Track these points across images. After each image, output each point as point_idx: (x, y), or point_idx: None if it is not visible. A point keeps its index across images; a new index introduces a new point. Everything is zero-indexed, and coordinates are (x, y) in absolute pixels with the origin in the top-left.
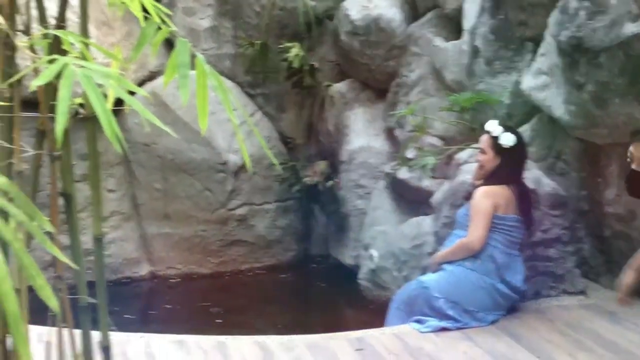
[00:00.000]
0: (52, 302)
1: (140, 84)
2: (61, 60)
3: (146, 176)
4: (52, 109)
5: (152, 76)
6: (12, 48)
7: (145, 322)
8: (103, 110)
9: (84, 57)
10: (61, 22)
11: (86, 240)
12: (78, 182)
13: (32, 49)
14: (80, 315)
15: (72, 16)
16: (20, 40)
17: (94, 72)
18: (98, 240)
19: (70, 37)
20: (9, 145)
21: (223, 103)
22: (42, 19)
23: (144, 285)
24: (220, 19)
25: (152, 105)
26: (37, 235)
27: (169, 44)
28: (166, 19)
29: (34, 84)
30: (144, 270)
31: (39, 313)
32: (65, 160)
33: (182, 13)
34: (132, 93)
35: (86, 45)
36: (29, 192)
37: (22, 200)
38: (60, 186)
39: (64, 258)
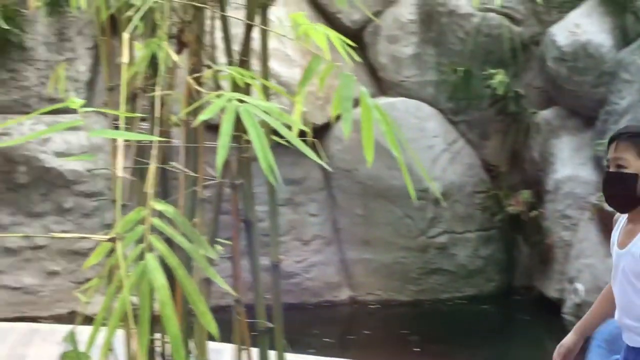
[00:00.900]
0: (212, 328)
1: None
2: (226, 96)
3: (347, 202)
4: (235, 139)
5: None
6: (199, 82)
7: (344, 347)
8: (260, 144)
9: (265, 90)
10: (244, 57)
11: (288, 264)
12: (281, 206)
13: (217, 83)
14: (259, 338)
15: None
16: (192, 76)
17: (255, 107)
18: (275, 266)
19: (238, 73)
20: (193, 174)
21: (386, 136)
22: (229, 53)
23: (343, 310)
24: (423, 46)
25: (353, 132)
26: (199, 261)
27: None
28: (352, 52)
29: (199, 118)
30: (344, 294)
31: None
32: (246, 188)
33: (385, 41)
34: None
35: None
36: (212, 218)
37: (187, 228)
38: (242, 213)
39: (224, 285)
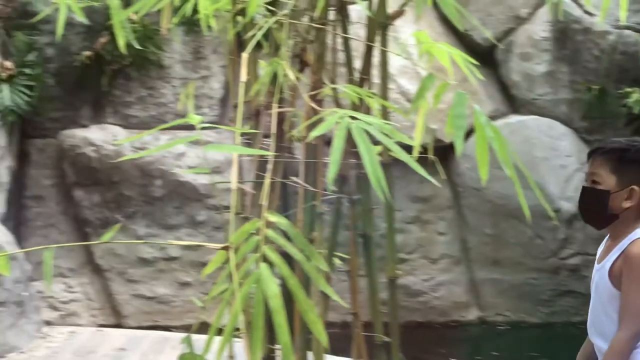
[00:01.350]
0: (322, 337)
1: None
2: (339, 113)
3: (476, 220)
4: (354, 155)
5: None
6: (319, 100)
7: None
8: (369, 158)
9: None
10: (365, 75)
11: (415, 281)
12: (409, 224)
13: (337, 101)
14: (376, 352)
15: (410, 62)
16: (311, 94)
17: (367, 124)
18: (392, 281)
19: (354, 91)
20: (312, 189)
21: (499, 154)
22: (349, 72)
23: (471, 330)
24: (557, 64)
25: None
26: (310, 272)
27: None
28: (475, 70)
29: (312, 134)
30: (472, 314)
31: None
32: (365, 203)
33: (518, 58)
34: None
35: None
36: (330, 232)
37: (301, 240)
38: (360, 228)
39: (336, 296)
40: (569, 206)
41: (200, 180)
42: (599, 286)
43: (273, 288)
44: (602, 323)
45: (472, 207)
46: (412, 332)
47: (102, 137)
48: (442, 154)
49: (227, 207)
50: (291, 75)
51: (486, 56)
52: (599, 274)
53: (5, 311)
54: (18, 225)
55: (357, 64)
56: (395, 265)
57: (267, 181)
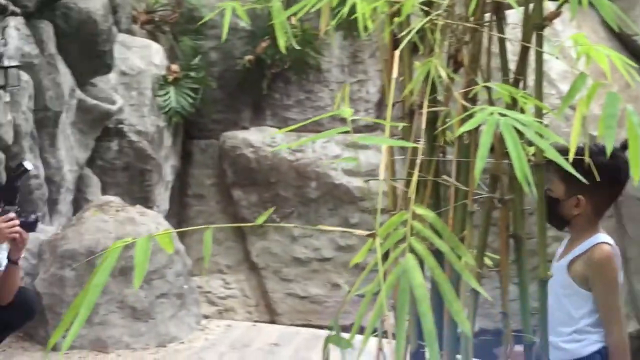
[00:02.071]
0: (466, 326)
1: None
2: (488, 109)
3: (637, 231)
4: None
5: None
6: (472, 100)
7: None
8: (517, 154)
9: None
10: (519, 76)
11: None
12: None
13: (491, 101)
14: (525, 354)
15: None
16: (463, 93)
17: (515, 121)
18: (542, 282)
19: (508, 91)
20: (463, 187)
21: None
22: (504, 72)
23: (630, 343)
24: None
25: None
26: (455, 265)
27: None
28: (634, 74)
29: (459, 131)
30: (631, 327)
31: None
32: (517, 204)
33: None
34: None
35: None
36: (480, 232)
37: (447, 233)
38: (511, 229)
39: (483, 292)
40: None
41: (355, 183)
42: (555, 282)
43: (418, 278)
44: (555, 320)
45: (632, 217)
46: None
47: (260, 139)
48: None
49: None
50: (443, 74)
51: None
52: (557, 271)
53: (166, 302)
54: (180, 222)
55: (512, 67)
56: (547, 266)
57: (415, 177)
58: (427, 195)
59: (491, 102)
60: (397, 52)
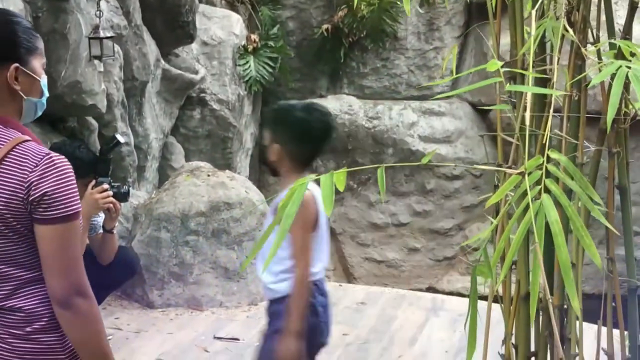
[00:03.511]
0: (597, 259)
1: None
2: (616, 63)
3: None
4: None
5: None
6: (582, 58)
7: None
8: None
9: None
10: (627, 35)
11: None
12: None
13: (599, 57)
14: (629, 297)
15: None
16: (587, 50)
17: None
18: None
19: (627, 45)
20: (574, 141)
21: None
22: (611, 32)
23: None
24: None
25: None
26: (585, 202)
27: None
28: None
29: (593, 82)
30: None
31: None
32: (622, 156)
33: None
34: None
35: None
36: (588, 182)
37: (578, 175)
38: (617, 180)
39: (610, 226)
40: None
41: (431, 149)
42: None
43: (554, 214)
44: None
45: None
46: None
47: (338, 106)
48: None
49: (457, 177)
50: (568, 32)
51: None
52: (269, 214)
53: (257, 263)
54: (259, 188)
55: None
56: None
57: (549, 118)
58: (537, 149)
59: (600, 57)
60: (533, 11)
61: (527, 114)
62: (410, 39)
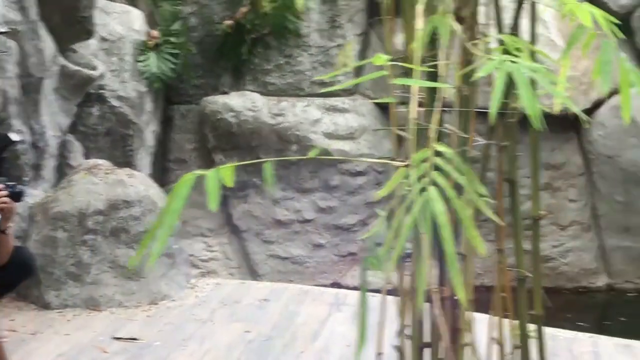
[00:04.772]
0: (482, 249)
1: (611, 94)
2: (500, 58)
3: (608, 188)
4: (503, 105)
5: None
6: (470, 54)
7: (598, 332)
8: (527, 94)
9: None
10: (514, 32)
11: (544, 247)
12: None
13: (488, 53)
14: (518, 288)
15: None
16: (472, 44)
17: (525, 67)
18: (535, 221)
19: (512, 41)
20: (464, 135)
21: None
22: (499, 29)
23: (599, 297)
24: None
25: (616, 118)
26: (471, 194)
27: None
28: (617, 30)
29: (476, 75)
30: (601, 281)
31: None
32: (511, 150)
33: None
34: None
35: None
36: (478, 175)
37: (463, 167)
38: (506, 172)
39: (490, 213)
40: None
41: (335, 146)
42: None
43: (440, 207)
44: None
45: (603, 175)
46: None
47: (241, 103)
48: (575, 122)
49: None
50: (457, 27)
51: (622, 24)
52: None
53: (157, 262)
54: (161, 186)
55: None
56: (538, 206)
57: (436, 114)
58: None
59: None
60: (420, 7)
61: (413, 108)
62: (313, 36)
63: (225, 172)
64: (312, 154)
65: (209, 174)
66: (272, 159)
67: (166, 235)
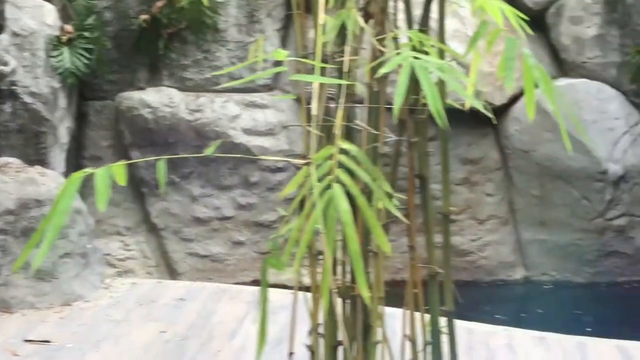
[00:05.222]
0: (386, 246)
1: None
2: (405, 54)
3: (524, 182)
4: (414, 102)
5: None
6: (380, 50)
7: (515, 324)
8: (431, 91)
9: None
10: (423, 27)
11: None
12: (458, 185)
13: (397, 49)
14: (429, 284)
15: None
16: (378, 39)
17: (429, 63)
18: (446, 217)
19: (417, 37)
20: (374, 132)
21: (546, 94)
22: (409, 25)
23: (517, 289)
24: (607, 27)
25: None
26: (376, 192)
27: (553, 51)
28: (526, 27)
29: (380, 71)
30: (518, 274)
31: None
32: (421, 146)
33: (568, 22)
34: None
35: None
36: (390, 172)
37: (368, 165)
38: (417, 169)
39: (397, 212)
40: (616, 168)
41: (254, 142)
42: None
43: (344, 205)
44: None
45: (519, 169)
46: (459, 290)
47: (158, 99)
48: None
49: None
50: (362, 23)
51: (536, 20)
52: None
53: (70, 262)
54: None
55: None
56: (449, 202)
57: (340, 110)
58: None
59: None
60: (321, 1)
61: (315, 105)
62: (231, 30)
63: (117, 170)
64: (208, 151)
65: (98, 172)
66: (164, 156)
67: (53, 236)
